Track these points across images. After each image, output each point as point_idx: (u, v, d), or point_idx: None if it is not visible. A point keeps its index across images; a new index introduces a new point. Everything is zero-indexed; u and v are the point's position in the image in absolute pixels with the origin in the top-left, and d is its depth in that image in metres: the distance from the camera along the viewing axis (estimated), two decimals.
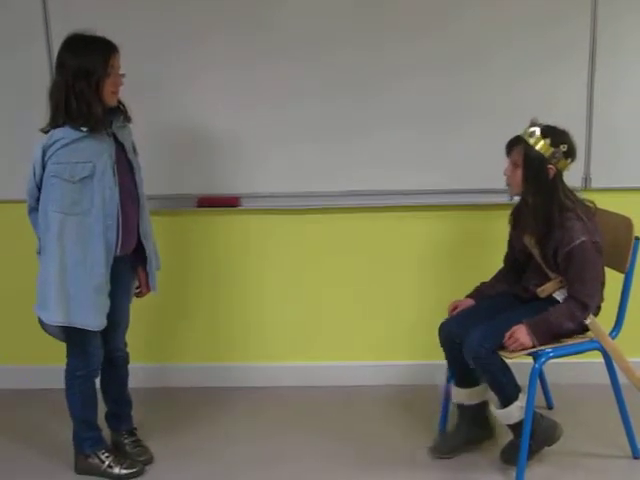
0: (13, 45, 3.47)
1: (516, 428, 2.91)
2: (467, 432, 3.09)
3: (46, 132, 2.74)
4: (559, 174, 2.84)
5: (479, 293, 3.14)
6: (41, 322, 2.86)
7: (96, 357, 2.93)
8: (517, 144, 2.85)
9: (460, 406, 3.10)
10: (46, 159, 2.72)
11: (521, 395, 2.88)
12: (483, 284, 3.17)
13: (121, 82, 2.80)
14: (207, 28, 3.43)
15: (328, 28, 3.41)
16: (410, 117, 3.47)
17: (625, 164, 3.47)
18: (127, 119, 2.88)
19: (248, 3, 3.41)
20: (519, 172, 2.85)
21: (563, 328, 2.84)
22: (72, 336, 2.86)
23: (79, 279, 2.77)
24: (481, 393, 3.06)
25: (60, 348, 2.94)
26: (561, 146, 2.79)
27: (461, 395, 3.07)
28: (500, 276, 3.17)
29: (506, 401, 2.89)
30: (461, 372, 3.05)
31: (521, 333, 2.80)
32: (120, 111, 2.85)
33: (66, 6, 3.39)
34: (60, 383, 2.99)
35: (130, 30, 3.36)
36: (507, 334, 2.81)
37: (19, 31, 3.45)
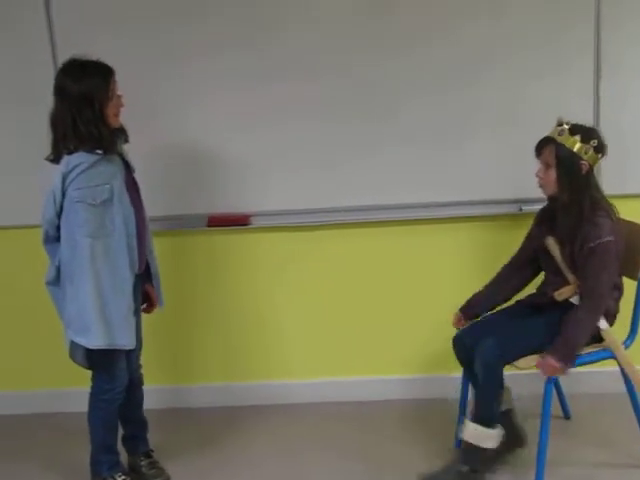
0: (18, 75, 3.51)
1: (474, 454, 2.85)
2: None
3: (52, 161, 2.76)
4: (591, 170, 2.84)
5: (469, 308, 3.13)
6: (72, 350, 2.84)
7: (122, 379, 2.94)
8: (547, 144, 2.85)
9: None
10: (66, 186, 2.72)
11: (500, 431, 2.86)
12: (474, 296, 3.14)
13: (122, 103, 2.82)
14: (211, 49, 3.45)
15: (331, 47, 3.42)
16: (416, 131, 3.47)
17: (634, 170, 3.45)
18: (126, 139, 2.89)
19: (249, 24, 3.43)
20: (552, 172, 2.85)
21: (582, 341, 2.81)
22: (100, 359, 2.85)
23: (114, 300, 2.79)
24: (506, 399, 2.99)
25: (77, 372, 2.93)
26: (591, 142, 2.80)
27: None
28: (496, 283, 3.13)
29: (485, 421, 2.84)
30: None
31: (548, 363, 2.77)
32: (122, 132, 2.86)
33: (69, 32, 3.42)
34: (77, 406, 2.99)
35: (135, 52, 3.41)
36: (538, 366, 2.80)
37: (24, 58, 3.49)
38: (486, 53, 3.40)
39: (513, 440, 3.03)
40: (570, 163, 2.81)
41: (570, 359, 2.79)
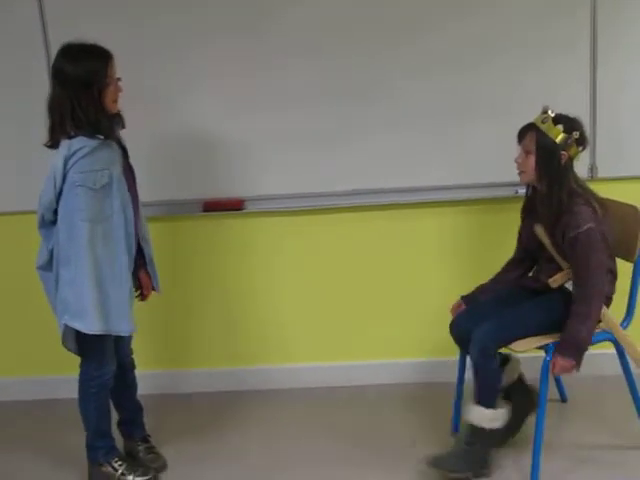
0: (12, 61, 3.49)
1: (479, 435, 2.85)
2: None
3: (50, 146, 2.73)
4: (570, 161, 2.82)
5: (472, 299, 3.13)
6: (64, 335, 2.82)
7: (111, 365, 2.93)
8: (529, 131, 2.83)
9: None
10: (68, 169, 2.70)
11: (503, 409, 2.86)
12: (480, 287, 3.14)
13: (120, 88, 2.79)
14: (208, 34, 3.43)
15: (328, 30, 3.41)
16: (413, 116, 3.46)
17: (631, 152, 3.44)
18: (123, 125, 2.87)
19: (248, 9, 3.41)
20: (532, 159, 2.83)
21: (586, 334, 2.77)
22: (92, 345, 2.84)
23: (113, 285, 2.78)
24: (515, 368, 3.01)
25: (72, 358, 2.91)
26: (573, 133, 2.78)
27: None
28: (500, 276, 3.14)
29: (489, 403, 2.84)
30: None
31: (559, 363, 2.76)
32: (119, 117, 2.84)
33: (64, 17, 3.40)
34: (73, 393, 2.98)
35: (131, 37, 3.39)
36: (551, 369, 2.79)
37: (17, 43, 3.47)
38: (484, 40, 3.39)
39: (529, 405, 3.01)
40: (550, 152, 2.79)
41: (578, 354, 2.76)
